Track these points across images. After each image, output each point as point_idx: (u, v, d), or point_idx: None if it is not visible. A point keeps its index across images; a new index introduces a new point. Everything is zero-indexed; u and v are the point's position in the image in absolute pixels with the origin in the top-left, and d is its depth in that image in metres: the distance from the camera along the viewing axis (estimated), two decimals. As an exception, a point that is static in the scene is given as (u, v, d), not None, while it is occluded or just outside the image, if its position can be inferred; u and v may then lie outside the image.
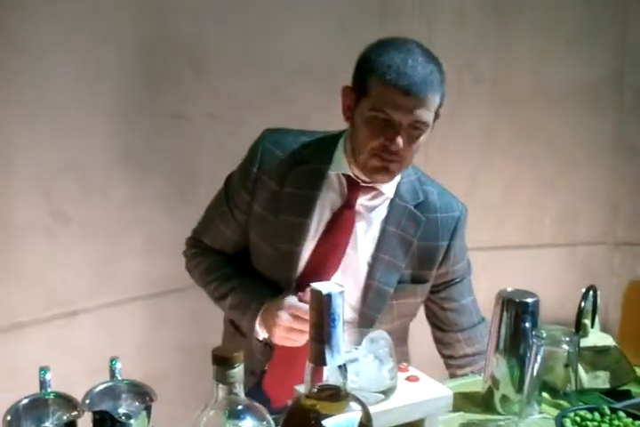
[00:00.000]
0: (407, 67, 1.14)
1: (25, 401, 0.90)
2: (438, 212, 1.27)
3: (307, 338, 1.14)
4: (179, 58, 1.73)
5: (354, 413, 0.62)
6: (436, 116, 1.19)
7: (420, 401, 0.99)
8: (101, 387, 0.94)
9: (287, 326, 1.17)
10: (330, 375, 0.62)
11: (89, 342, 1.68)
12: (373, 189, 1.24)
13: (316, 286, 0.62)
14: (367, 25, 1.92)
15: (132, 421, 0.86)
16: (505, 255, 2.15)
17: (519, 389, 1.05)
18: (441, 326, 1.36)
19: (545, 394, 1.03)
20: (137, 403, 0.95)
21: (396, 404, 0.96)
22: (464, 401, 1.10)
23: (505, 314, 1.06)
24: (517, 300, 1.05)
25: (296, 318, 1.16)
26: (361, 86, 1.18)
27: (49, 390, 0.93)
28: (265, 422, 0.79)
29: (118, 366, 0.94)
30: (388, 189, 1.25)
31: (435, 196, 1.28)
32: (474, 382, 1.15)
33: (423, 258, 1.26)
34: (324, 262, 1.24)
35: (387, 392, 0.97)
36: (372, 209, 1.25)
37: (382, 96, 1.15)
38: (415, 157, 1.86)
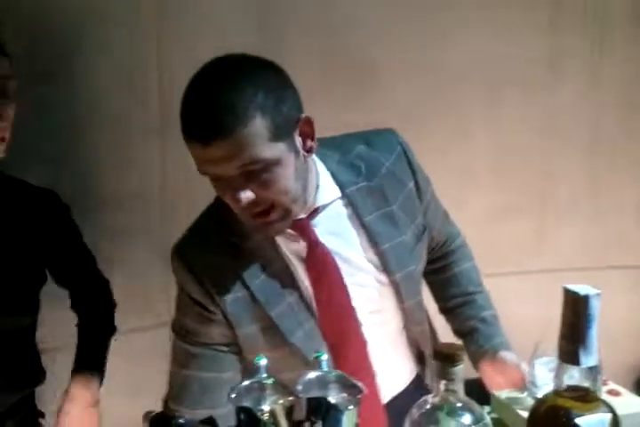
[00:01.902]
0: (195, 111, 0.92)
1: (246, 383, 0.98)
2: (385, 162, 1.12)
3: None
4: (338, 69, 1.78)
5: (605, 414, 0.63)
6: (285, 138, 0.94)
7: (626, 414, 0.96)
8: (312, 376, 1.00)
9: None
10: (580, 376, 0.64)
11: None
12: (316, 211, 1.07)
13: (571, 287, 0.63)
14: (537, 34, 1.91)
15: (350, 407, 0.90)
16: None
17: None
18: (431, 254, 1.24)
19: None
20: (344, 394, 1.00)
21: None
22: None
23: None
24: None
25: None
26: None
27: (264, 375, 1.00)
28: (483, 422, 0.81)
29: (262, 362, 0.94)
30: (328, 192, 1.07)
31: (368, 152, 1.11)
32: (674, 403, 1.10)
33: (408, 210, 1.13)
34: (338, 310, 1.11)
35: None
36: (335, 219, 1.09)
37: (194, 156, 0.95)
38: (582, 172, 1.66)
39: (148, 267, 1.65)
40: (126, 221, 1.61)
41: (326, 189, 1.07)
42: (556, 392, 0.65)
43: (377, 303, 1.14)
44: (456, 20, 1.81)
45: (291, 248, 1.08)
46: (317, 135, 1.01)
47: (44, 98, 1.46)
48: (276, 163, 0.94)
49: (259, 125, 0.91)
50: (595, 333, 0.62)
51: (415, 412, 0.81)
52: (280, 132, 0.93)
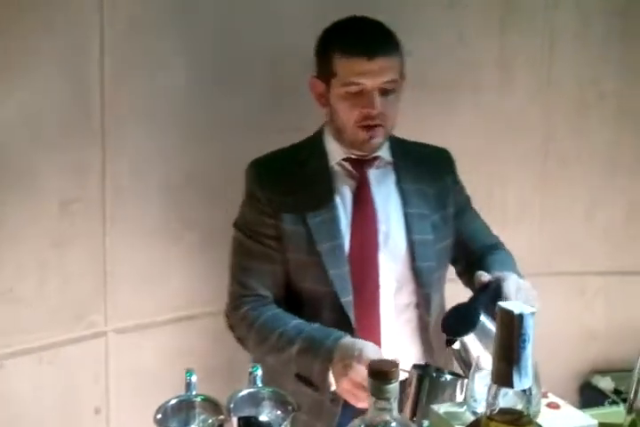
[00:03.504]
0: (362, 34, 1.26)
1: (173, 402, 0.92)
2: (432, 158, 1.42)
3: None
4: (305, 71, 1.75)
5: (538, 439, 0.60)
6: (402, 77, 1.29)
7: (566, 429, 0.95)
8: (244, 393, 0.95)
9: (358, 382, 1.10)
10: (512, 398, 0.60)
11: (200, 347, 1.72)
12: (375, 159, 1.35)
13: (505, 305, 0.60)
14: (487, 37, 1.90)
15: (283, 425, 0.86)
16: (624, 281, 2.04)
17: (668, 424, 0.98)
18: (460, 255, 1.42)
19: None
20: (278, 411, 0.95)
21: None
22: (605, 433, 1.04)
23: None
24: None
25: None
26: (326, 69, 1.28)
27: (194, 392, 0.95)
28: (418, 441, 0.77)
29: (193, 379, 0.92)
30: (387, 154, 1.37)
31: (421, 147, 1.43)
32: (614, 414, 1.09)
33: (439, 199, 1.38)
34: (365, 242, 1.32)
35: (531, 418, 0.94)
36: (383, 176, 1.36)
37: (348, 68, 1.24)
38: (531, 176, 1.79)
39: (83, 274, 1.57)
40: (61, 227, 1.53)
41: (386, 149, 1.37)
42: (489, 416, 0.61)
43: (394, 255, 1.33)
44: (405, 21, 1.79)
45: (344, 180, 1.34)
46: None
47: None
48: (399, 90, 1.28)
49: (398, 60, 1.27)
50: (529, 354, 0.59)
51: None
52: (401, 71, 1.28)
